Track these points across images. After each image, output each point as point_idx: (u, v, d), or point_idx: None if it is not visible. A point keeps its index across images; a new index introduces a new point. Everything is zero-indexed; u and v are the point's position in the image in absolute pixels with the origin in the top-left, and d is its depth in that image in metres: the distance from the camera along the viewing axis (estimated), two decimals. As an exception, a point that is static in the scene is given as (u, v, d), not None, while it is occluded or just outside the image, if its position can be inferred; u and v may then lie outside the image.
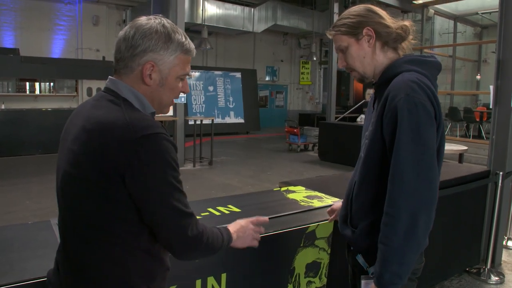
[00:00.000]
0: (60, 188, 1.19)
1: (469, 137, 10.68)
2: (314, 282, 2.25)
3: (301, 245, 2.11)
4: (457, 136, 10.52)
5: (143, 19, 1.21)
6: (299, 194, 2.63)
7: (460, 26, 13.23)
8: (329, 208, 1.99)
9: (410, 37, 1.57)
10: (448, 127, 11.23)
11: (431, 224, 1.40)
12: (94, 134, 1.10)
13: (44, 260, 1.50)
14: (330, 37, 1.63)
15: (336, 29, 1.58)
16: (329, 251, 2.26)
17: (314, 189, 2.75)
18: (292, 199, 2.52)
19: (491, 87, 4.03)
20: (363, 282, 1.54)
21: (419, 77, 1.44)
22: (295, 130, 11.82)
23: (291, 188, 2.80)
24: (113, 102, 1.17)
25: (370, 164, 1.52)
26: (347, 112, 13.19)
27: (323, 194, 2.62)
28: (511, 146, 4.00)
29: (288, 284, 2.11)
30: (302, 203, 2.43)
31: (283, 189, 2.78)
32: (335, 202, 1.89)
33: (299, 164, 10.03)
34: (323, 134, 10.70)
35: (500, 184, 3.84)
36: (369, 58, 1.56)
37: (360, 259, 1.59)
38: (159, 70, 1.20)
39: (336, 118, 11.93)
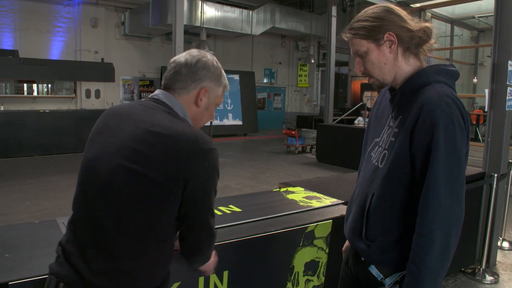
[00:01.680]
0: (107, 181, 1.24)
1: (466, 140, 10.74)
2: (312, 280, 2.30)
3: (300, 244, 2.17)
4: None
5: (199, 52, 1.43)
6: (298, 194, 2.68)
7: (457, 30, 13.33)
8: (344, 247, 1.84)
9: (432, 40, 1.48)
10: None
11: (457, 241, 1.38)
12: (166, 140, 1.24)
13: (53, 258, 1.55)
14: (346, 39, 1.53)
15: (354, 32, 1.48)
16: (327, 251, 2.31)
17: (313, 190, 2.81)
18: (292, 199, 2.57)
19: (487, 91, 4.10)
20: None
21: (451, 91, 1.40)
22: (293, 132, 11.88)
23: (291, 189, 2.86)
24: (171, 115, 1.33)
25: (395, 179, 1.44)
26: (344, 115, 13.26)
27: (322, 195, 2.68)
28: (505, 149, 4.07)
29: (288, 282, 2.17)
30: (301, 203, 2.48)
31: (282, 190, 2.84)
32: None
33: (297, 166, 10.09)
34: (321, 136, 10.75)
35: (494, 186, 3.90)
36: (390, 64, 1.47)
37: (373, 270, 1.54)
38: (208, 96, 1.43)
39: (333, 120, 11.98)
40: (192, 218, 1.28)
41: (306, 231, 2.17)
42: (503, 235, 4.79)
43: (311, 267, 2.27)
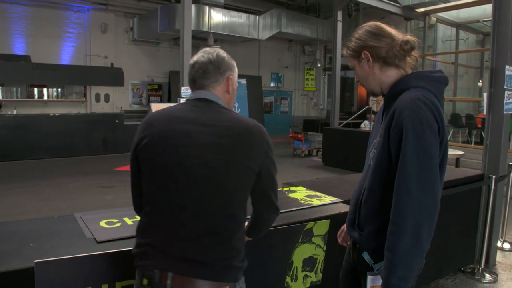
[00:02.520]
0: (205, 175, 1.44)
1: (471, 143, 10.81)
2: (310, 276, 2.43)
3: (300, 240, 2.30)
4: (459, 142, 10.65)
5: (212, 48, 1.64)
6: (300, 193, 2.81)
7: (463, 34, 13.39)
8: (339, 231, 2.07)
9: (414, 53, 1.67)
10: (450, 133, 11.37)
11: (432, 232, 1.51)
12: (240, 131, 1.50)
13: (73, 248, 1.71)
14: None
15: (346, 50, 1.76)
16: (324, 248, 2.44)
17: (315, 190, 2.93)
18: (293, 198, 2.70)
19: (485, 95, 4.20)
20: (369, 278, 1.65)
21: (425, 94, 1.53)
22: (299, 136, 11.99)
23: (293, 188, 2.99)
24: (222, 108, 1.59)
25: (378, 173, 1.63)
26: (350, 118, 13.35)
27: (323, 194, 2.80)
28: (504, 151, 4.17)
29: (287, 276, 2.29)
30: (302, 201, 2.61)
31: (285, 189, 2.97)
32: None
33: (303, 169, 10.20)
34: (327, 140, 10.85)
35: (493, 187, 4.00)
36: (371, 77, 1.71)
37: (366, 256, 1.71)
38: (233, 82, 1.66)
39: (340, 123, 12.09)
40: (263, 192, 1.58)
41: (305, 228, 2.29)
42: (504, 237, 4.88)
43: (309, 263, 2.39)
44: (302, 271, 2.37)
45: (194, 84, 1.61)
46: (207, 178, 1.43)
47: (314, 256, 2.41)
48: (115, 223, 2.06)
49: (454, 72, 12.77)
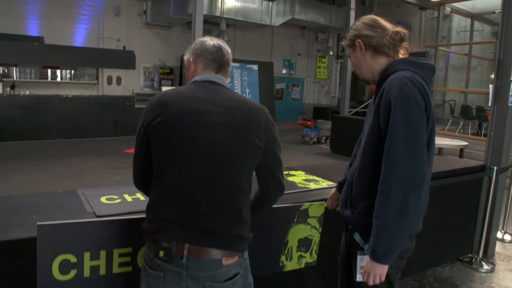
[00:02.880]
0: (219, 152, 1.54)
1: (481, 135, 10.74)
2: (305, 257, 2.50)
3: (295, 221, 2.37)
4: (468, 134, 10.59)
5: (220, 40, 1.76)
6: (298, 177, 2.88)
7: (478, 25, 13.21)
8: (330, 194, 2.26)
9: (403, 43, 1.78)
10: (461, 124, 11.30)
11: (419, 206, 1.60)
12: (249, 111, 1.61)
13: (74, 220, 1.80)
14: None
15: (344, 40, 1.89)
16: (320, 230, 2.51)
17: (313, 174, 3.00)
18: (291, 181, 2.77)
19: (491, 86, 4.20)
20: (358, 257, 1.75)
21: (412, 75, 1.64)
22: (308, 123, 12.03)
23: (292, 172, 3.06)
24: (230, 90, 1.69)
25: (368, 152, 1.73)
26: (360, 107, 13.31)
27: (320, 178, 2.86)
28: (507, 143, 4.18)
29: (282, 255, 2.37)
30: (300, 185, 2.68)
31: (284, 172, 3.03)
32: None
33: (311, 156, 10.26)
34: (336, 127, 10.87)
35: (494, 178, 4.03)
36: (364, 64, 1.83)
37: (357, 236, 1.80)
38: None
39: (349, 112, 12.07)
40: (270, 172, 1.68)
41: (301, 209, 2.36)
42: (505, 228, 4.91)
43: (304, 244, 2.46)
44: (297, 251, 2.44)
45: (213, 67, 1.69)
46: (221, 155, 1.53)
47: (309, 237, 2.48)
48: (115, 199, 2.15)
49: (467, 63, 12.63)
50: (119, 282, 1.78)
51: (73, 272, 1.65)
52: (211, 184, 1.52)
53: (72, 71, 12.78)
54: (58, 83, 12.56)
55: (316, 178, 2.87)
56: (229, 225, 1.55)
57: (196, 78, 1.67)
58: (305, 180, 2.81)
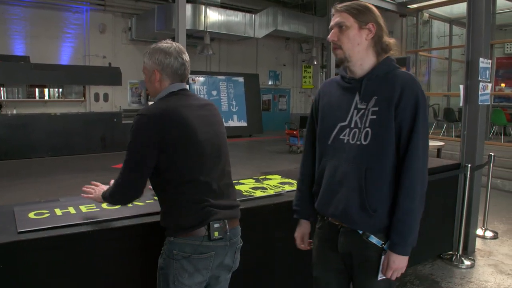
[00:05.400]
0: (221, 145, 1.90)
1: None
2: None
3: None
4: (452, 136, 10.77)
5: (179, 46, 1.96)
6: (273, 181, 2.97)
7: (457, 29, 13.50)
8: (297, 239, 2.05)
9: (392, 52, 1.79)
10: (444, 127, 11.50)
11: None
12: (216, 108, 2.00)
13: None
14: (334, 12, 1.78)
15: (347, 8, 1.74)
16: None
17: (289, 178, 3.08)
18: (262, 186, 2.85)
19: (461, 87, 4.35)
20: (383, 257, 1.71)
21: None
22: (294, 132, 12.15)
23: (269, 176, 3.15)
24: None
25: (385, 150, 1.69)
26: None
27: (295, 181, 2.94)
28: (480, 141, 4.32)
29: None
30: (270, 190, 2.72)
31: (261, 177, 3.13)
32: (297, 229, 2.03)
33: (298, 164, 10.27)
34: (322, 136, 10.95)
35: (468, 176, 4.15)
36: (361, 47, 1.73)
37: (373, 239, 1.73)
38: None
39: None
40: None
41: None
42: (485, 225, 5.03)
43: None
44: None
45: (179, 79, 1.89)
46: (223, 147, 1.90)
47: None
48: (44, 214, 2.12)
49: (448, 67, 12.88)
50: None
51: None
52: (223, 172, 1.88)
53: (60, 89, 12.83)
54: (46, 101, 12.60)
55: (291, 181, 2.96)
56: (236, 198, 1.95)
57: (172, 89, 1.85)
58: (280, 183, 2.90)
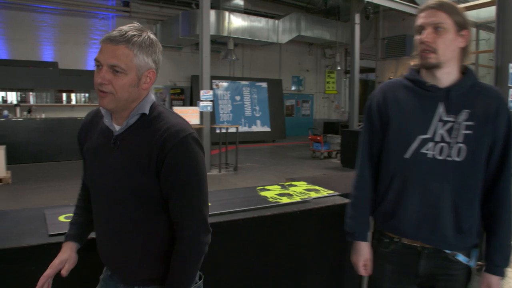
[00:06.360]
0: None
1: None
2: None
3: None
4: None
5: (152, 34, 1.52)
6: (299, 187, 2.97)
7: (484, 34, 13.24)
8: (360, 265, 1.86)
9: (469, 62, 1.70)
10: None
11: None
12: None
13: (27, 238, 1.91)
14: (426, 8, 1.62)
15: (449, 9, 1.58)
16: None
17: (315, 184, 3.07)
18: (289, 193, 2.85)
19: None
20: (484, 274, 1.67)
21: None
22: (318, 138, 12.10)
23: (294, 182, 3.14)
24: None
25: (478, 167, 1.61)
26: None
27: (321, 188, 2.94)
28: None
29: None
30: (296, 197, 2.72)
31: (287, 183, 3.13)
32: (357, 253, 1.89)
33: (322, 170, 10.30)
34: (346, 142, 10.91)
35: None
36: (454, 54, 1.60)
37: (461, 257, 1.65)
38: None
39: (359, 125, 12.14)
40: None
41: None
42: None
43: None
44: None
45: None
46: None
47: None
48: None
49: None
50: None
51: None
52: None
53: (86, 94, 13.10)
54: (73, 106, 12.87)
55: (318, 188, 2.95)
56: None
57: (157, 102, 1.55)
58: (306, 189, 2.89)
